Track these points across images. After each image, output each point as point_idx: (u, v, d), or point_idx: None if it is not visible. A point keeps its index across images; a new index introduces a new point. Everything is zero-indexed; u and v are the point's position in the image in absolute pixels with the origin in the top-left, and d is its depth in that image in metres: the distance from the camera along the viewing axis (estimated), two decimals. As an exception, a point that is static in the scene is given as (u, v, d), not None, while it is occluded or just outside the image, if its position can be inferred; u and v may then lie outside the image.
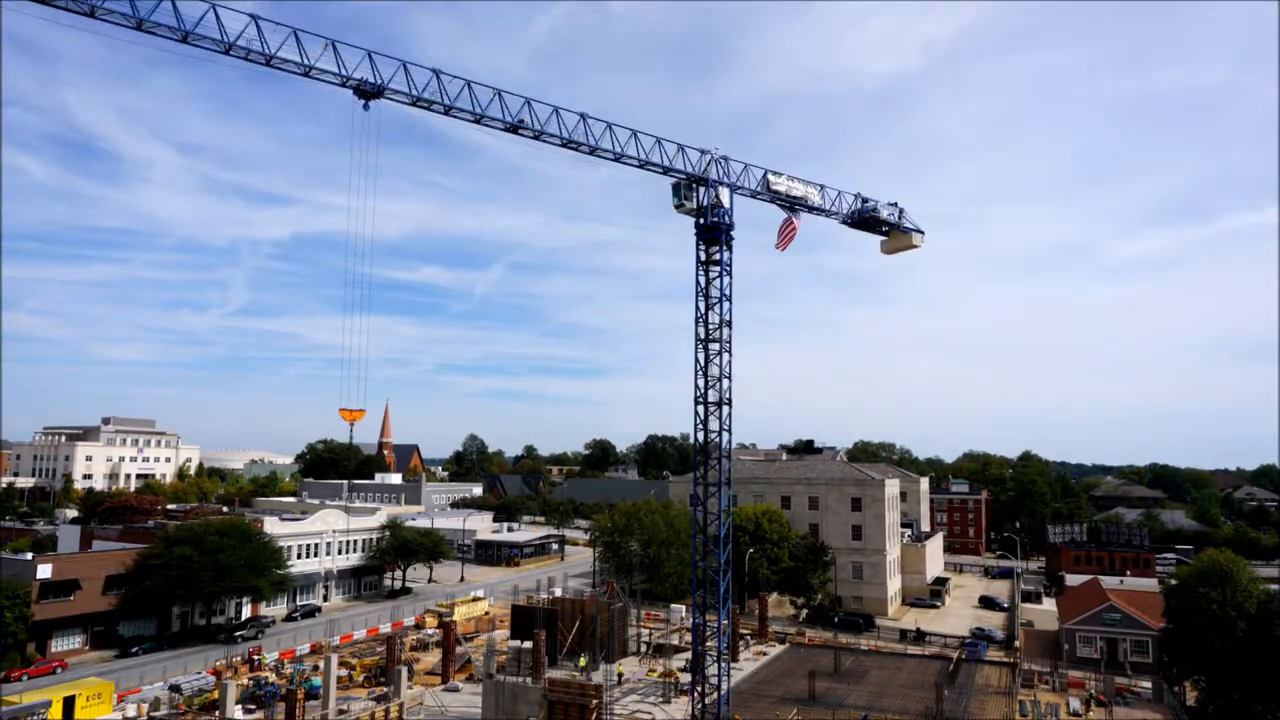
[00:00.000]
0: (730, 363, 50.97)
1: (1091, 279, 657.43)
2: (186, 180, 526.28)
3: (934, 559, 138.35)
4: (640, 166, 49.23)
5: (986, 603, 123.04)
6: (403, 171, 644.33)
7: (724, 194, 51.31)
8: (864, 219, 58.28)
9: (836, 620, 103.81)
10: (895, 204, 59.43)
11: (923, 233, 60.65)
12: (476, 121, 44.13)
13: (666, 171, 50.03)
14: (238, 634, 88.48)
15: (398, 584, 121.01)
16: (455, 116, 43.45)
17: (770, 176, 54.07)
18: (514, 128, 44.99)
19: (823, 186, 56.91)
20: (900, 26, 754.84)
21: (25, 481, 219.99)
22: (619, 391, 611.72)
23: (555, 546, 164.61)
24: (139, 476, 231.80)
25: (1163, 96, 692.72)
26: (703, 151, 50.93)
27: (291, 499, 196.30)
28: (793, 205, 55.24)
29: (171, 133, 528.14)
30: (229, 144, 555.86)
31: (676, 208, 51.31)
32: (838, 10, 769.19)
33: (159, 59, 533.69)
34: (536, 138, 45.81)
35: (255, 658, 77.46)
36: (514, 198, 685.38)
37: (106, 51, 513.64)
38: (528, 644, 76.21)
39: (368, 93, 40.42)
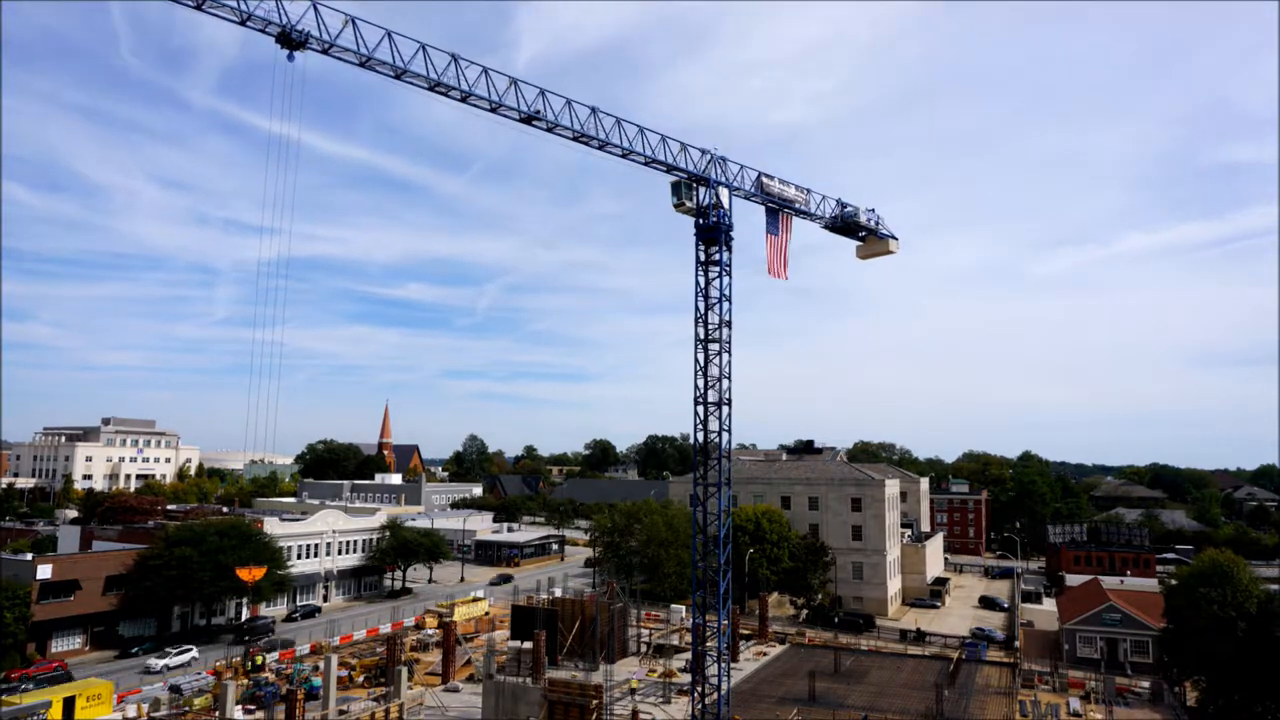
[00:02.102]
0: (730, 363, 50.86)
1: (1042, 294, 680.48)
2: (190, 214, 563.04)
3: (934, 559, 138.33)
4: (646, 164, 49.04)
5: (986, 603, 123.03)
6: (372, 209, 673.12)
7: (723, 194, 51.41)
8: (845, 224, 59.05)
9: (837, 620, 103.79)
10: (873, 210, 60.24)
11: (897, 239, 61.50)
12: (493, 111, 42.88)
13: (670, 169, 49.91)
14: (250, 627, 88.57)
15: (398, 584, 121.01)
16: (472, 105, 42.30)
17: (764, 179, 54.35)
18: (529, 118, 43.80)
19: (809, 190, 57.41)
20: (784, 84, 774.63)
21: (25, 482, 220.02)
22: (612, 395, 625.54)
23: (555, 547, 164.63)
24: (139, 477, 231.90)
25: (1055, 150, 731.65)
26: (703, 151, 51.02)
27: (292, 499, 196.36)
28: (782, 208, 55.63)
29: (199, 181, 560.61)
30: (241, 187, 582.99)
31: (676, 207, 51.31)
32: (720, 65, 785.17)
33: (210, 125, 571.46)
34: (550, 130, 44.85)
35: (255, 659, 77.35)
36: (488, 230, 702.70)
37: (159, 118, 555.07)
38: (528, 644, 76.23)
39: (294, 42, 36.20)
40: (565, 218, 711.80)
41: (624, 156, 48.21)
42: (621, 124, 47.20)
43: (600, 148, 47.11)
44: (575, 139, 46.16)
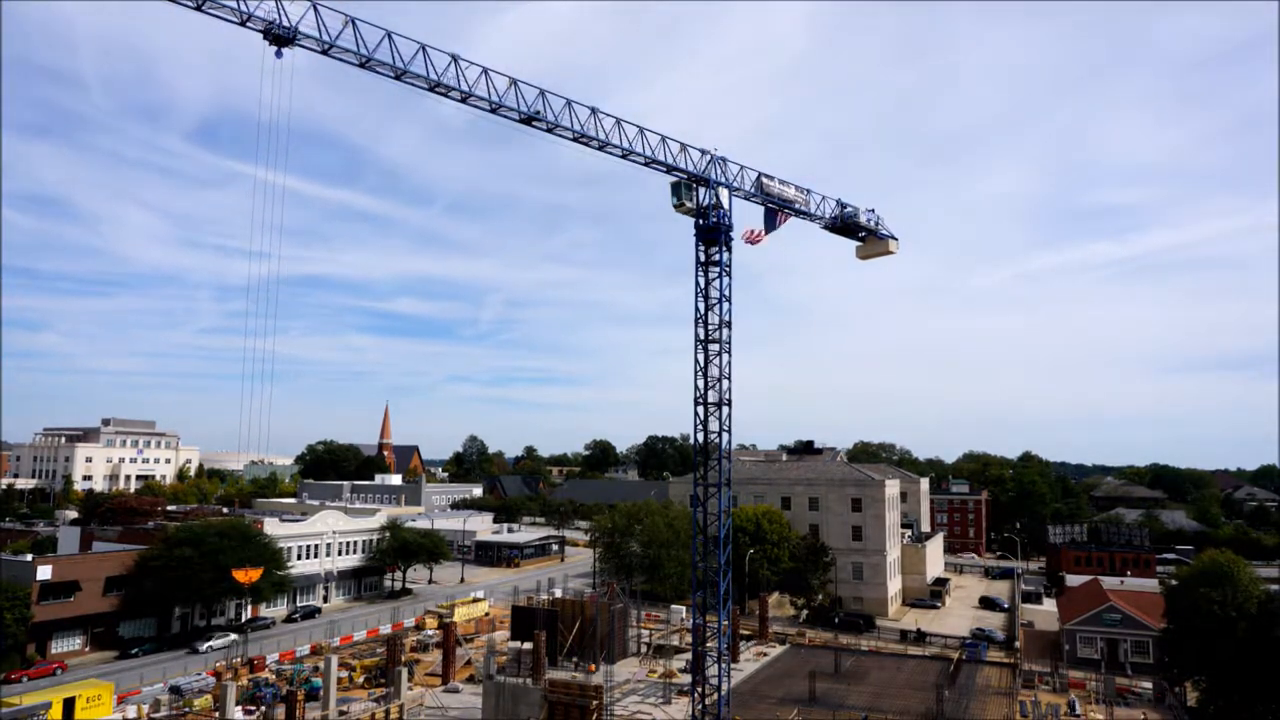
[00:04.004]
0: (730, 363, 50.77)
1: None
2: (189, 240, 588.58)
3: (934, 559, 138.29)
4: (646, 164, 48.99)
5: (987, 603, 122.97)
6: (353, 236, 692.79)
7: (723, 195, 51.28)
8: (845, 224, 58.65)
9: (837, 621, 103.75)
10: (873, 210, 60.01)
11: (897, 239, 61.00)
12: (493, 111, 42.86)
13: (670, 169, 49.98)
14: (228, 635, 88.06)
15: (398, 585, 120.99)
16: (472, 105, 42.08)
17: (764, 179, 54.25)
18: (529, 119, 43.91)
19: (809, 191, 57.26)
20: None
21: (25, 483, 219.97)
22: (611, 398, 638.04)
23: (555, 547, 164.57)
24: (139, 477, 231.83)
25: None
26: (703, 151, 50.94)
27: (292, 500, 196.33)
28: (782, 208, 55.67)
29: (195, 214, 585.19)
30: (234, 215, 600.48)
31: (676, 207, 51.28)
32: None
33: (211, 180, 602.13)
34: (550, 130, 44.96)
35: (253, 660, 77.37)
36: (481, 255, 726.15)
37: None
38: (528, 645, 76.21)
39: (282, 39, 36.59)
40: (548, 246, 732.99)
41: (624, 157, 48.08)
42: (621, 124, 47.03)
43: (600, 148, 46.85)
44: (575, 139, 45.91)
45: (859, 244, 61.08)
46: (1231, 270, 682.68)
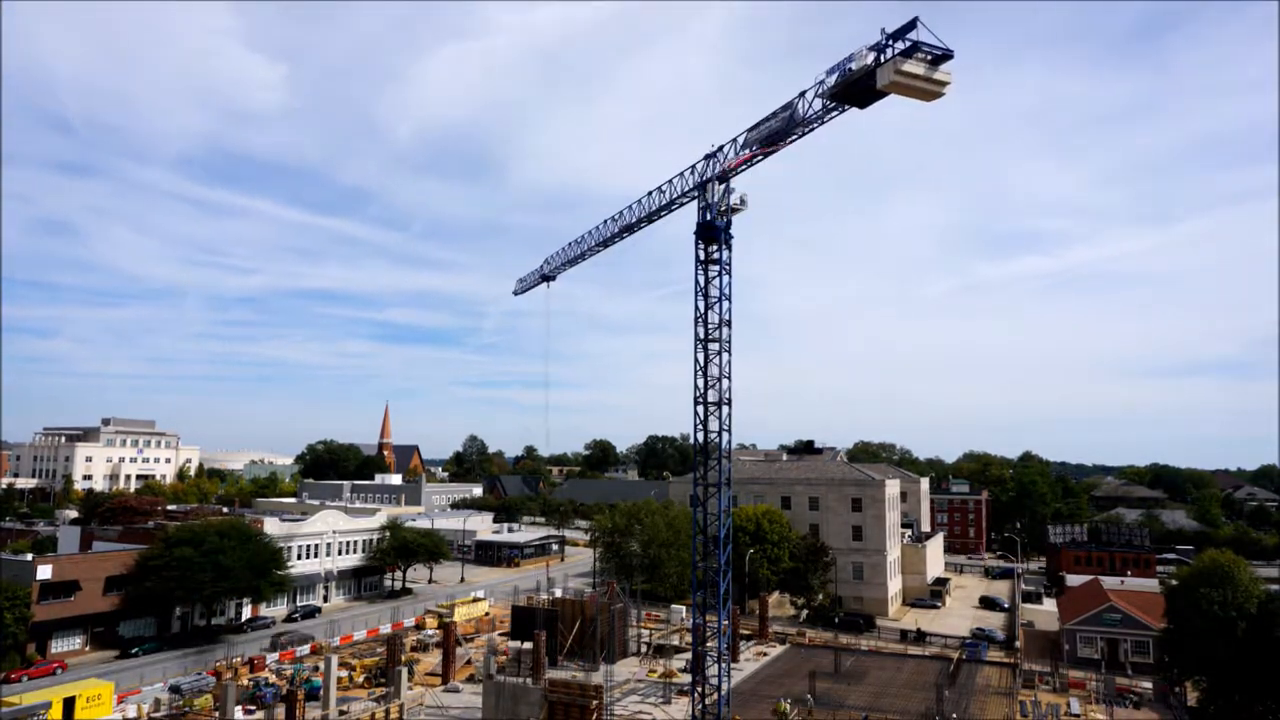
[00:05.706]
0: (730, 362, 50.57)
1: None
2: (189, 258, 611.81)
3: (934, 559, 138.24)
4: (646, 224, 55.35)
5: (987, 603, 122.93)
6: (346, 256, 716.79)
7: (719, 191, 50.32)
8: (856, 83, 39.65)
9: (837, 621, 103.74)
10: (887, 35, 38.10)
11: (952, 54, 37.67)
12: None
13: (670, 206, 52.55)
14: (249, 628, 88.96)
15: (398, 585, 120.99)
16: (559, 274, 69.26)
17: (747, 134, 47.29)
18: (575, 259, 65.13)
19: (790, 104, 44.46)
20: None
21: (26, 482, 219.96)
22: (612, 399, 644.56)
23: (555, 547, 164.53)
24: (139, 477, 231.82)
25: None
26: (707, 158, 50.23)
27: (292, 500, 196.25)
28: (786, 136, 45.11)
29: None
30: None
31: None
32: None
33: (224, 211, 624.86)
34: (586, 257, 63.73)
35: (253, 660, 77.36)
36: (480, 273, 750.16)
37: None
38: (528, 645, 76.20)
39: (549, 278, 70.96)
40: (539, 260, 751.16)
41: (624, 234, 56.78)
42: (629, 208, 55.84)
43: (625, 235, 57.71)
44: (602, 247, 60.39)
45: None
46: (1174, 283, 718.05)
